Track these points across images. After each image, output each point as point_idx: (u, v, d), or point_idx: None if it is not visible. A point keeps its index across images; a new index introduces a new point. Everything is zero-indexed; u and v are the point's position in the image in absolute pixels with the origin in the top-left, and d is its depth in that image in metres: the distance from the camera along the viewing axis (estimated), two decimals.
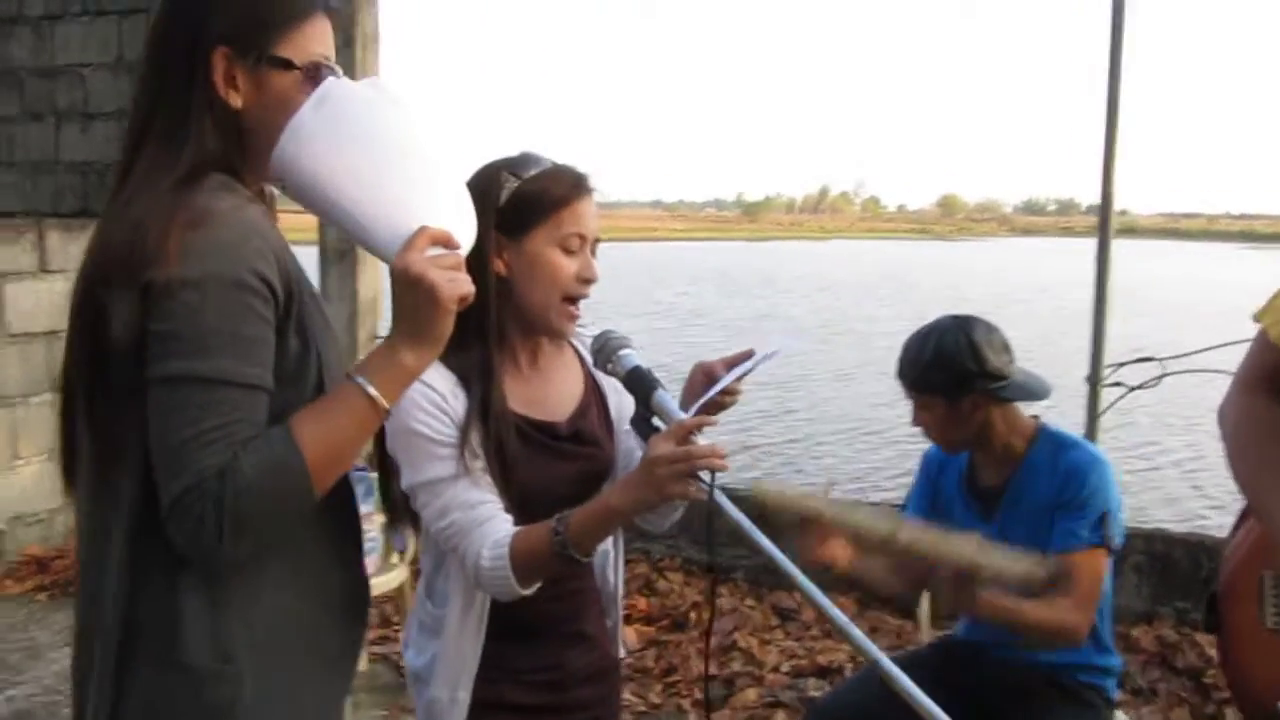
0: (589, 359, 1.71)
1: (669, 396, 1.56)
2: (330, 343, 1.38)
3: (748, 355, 1.63)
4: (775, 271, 45.70)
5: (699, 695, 3.82)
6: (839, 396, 14.35)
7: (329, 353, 1.35)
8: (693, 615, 4.41)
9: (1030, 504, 2.36)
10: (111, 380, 1.24)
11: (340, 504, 1.38)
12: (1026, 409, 2.45)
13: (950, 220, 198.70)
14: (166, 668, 1.26)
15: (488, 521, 1.59)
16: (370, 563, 3.34)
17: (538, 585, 1.60)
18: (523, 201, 1.66)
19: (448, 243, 1.28)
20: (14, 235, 5.12)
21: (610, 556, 1.87)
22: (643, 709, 3.77)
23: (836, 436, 11.97)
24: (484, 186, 1.66)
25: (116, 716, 1.28)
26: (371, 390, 1.25)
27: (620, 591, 1.91)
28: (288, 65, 1.33)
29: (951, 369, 2.32)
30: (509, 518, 1.62)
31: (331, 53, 1.38)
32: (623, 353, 1.60)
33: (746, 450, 10.20)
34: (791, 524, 2.03)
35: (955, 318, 2.41)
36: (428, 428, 1.61)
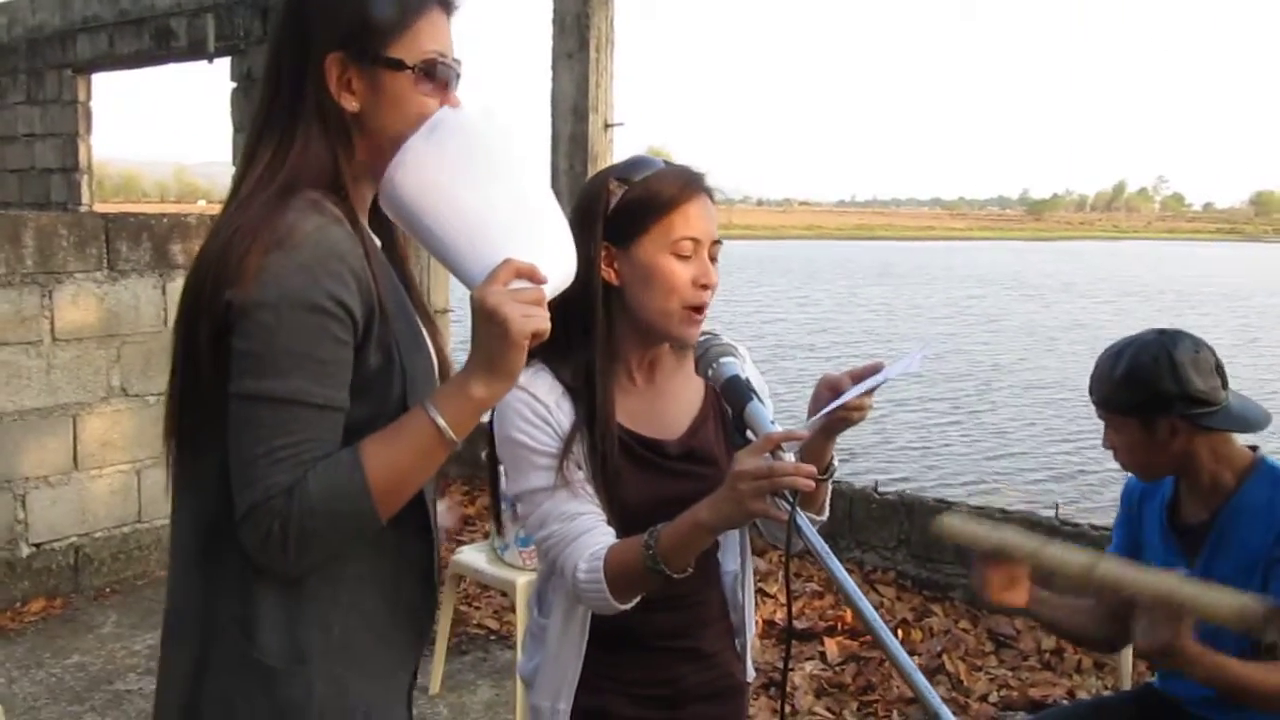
0: None
1: (764, 409, 1.47)
2: (419, 355, 1.38)
3: (876, 369, 1.53)
4: (1071, 274, 43.48)
5: (897, 717, 3.65)
6: None
7: (416, 369, 1.35)
8: (900, 634, 4.21)
9: (1240, 548, 2.08)
10: (196, 384, 1.30)
11: (413, 515, 1.38)
12: (1244, 438, 2.16)
13: (1266, 219, 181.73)
14: (242, 664, 1.30)
15: (587, 533, 1.56)
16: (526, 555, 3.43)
17: (636, 600, 1.56)
18: (630, 207, 1.61)
19: (532, 276, 1.25)
20: None
21: (739, 576, 1.79)
22: None
23: None
24: (592, 196, 1.63)
25: (194, 711, 1.33)
26: (440, 421, 1.25)
27: (751, 612, 1.83)
28: (400, 65, 1.34)
29: (1146, 389, 2.07)
30: (610, 530, 1.58)
31: (449, 49, 1.38)
32: (723, 360, 1.53)
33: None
34: (978, 560, 1.90)
35: (1160, 332, 2.15)
36: (529, 437, 1.59)
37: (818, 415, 1.54)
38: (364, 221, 1.39)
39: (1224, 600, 1.67)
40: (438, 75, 1.35)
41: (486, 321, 1.23)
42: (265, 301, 1.22)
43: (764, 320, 23.79)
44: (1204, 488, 2.13)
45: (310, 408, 1.23)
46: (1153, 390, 2.06)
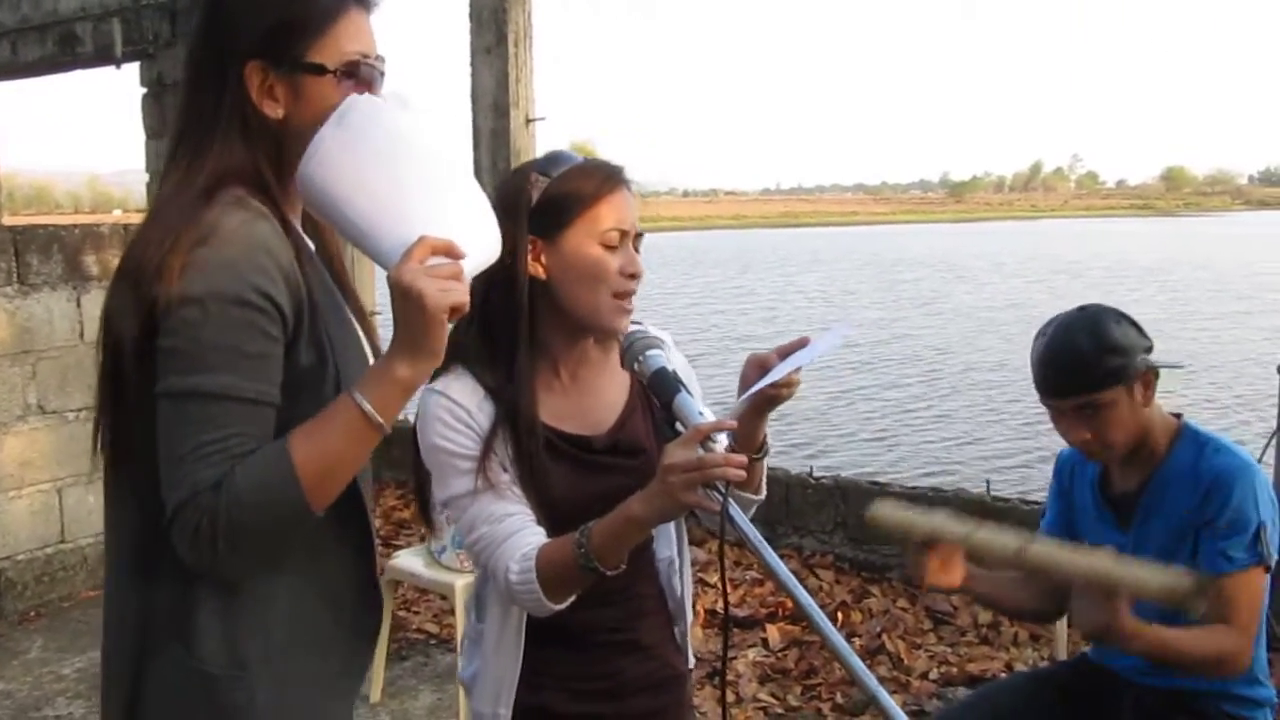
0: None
1: (692, 400, 1.47)
2: (352, 352, 1.37)
3: (803, 343, 1.53)
4: (998, 254, 44.31)
5: (840, 699, 3.68)
6: None
7: (350, 368, 1.34)
8: (840, 616, 4.25)
9: (1169, 513, 2.12)
10: (124, 391, 1.28)
11: (351, 515, 1.37)
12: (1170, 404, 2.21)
13: (1176, 194, 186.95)
14: (182, 672, 1.29)
15: (517, 534, 1.55)
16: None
17: (570, 599, 1.54)
18: (555, 200, 1.59)
19: (449, 252, 1.24)
20: None
21: (675, 564, 1.78)
22: (780, 711, 3.65)
23: None
24: (513, 191, 1.62)
25: (134, 717, 1.32)
26: (365, 405, 1.23)
27: (689, 600, 1.83)
28: (321, 70, 1.33)
29: (1125, 351, 2.07)
30: (540, 530, 1.56)
31: (371, 48, 1.37)
32: (650, 353, 1.52)
33: None
34: (911, 545, 1.91)
35: (1080, 308, 2.18)
36: (450, 443, 1.58)
37: (745, 395, 1.54)
38: (295, 223, 1.37)
39: (1153, 577, 1.70)
40: (361, 76, 1.35)
41: (403, 299, 1.21)
42: (191, 297, 1.20)
43: (703, 313, 23.84)
44: (1142, 455, 2.16)
45: (240, 402, 1.22)
46: (1129, 347, 2.08)
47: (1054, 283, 29.97)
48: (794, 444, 10.50)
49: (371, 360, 1.41)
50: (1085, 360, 2.08)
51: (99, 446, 1.35)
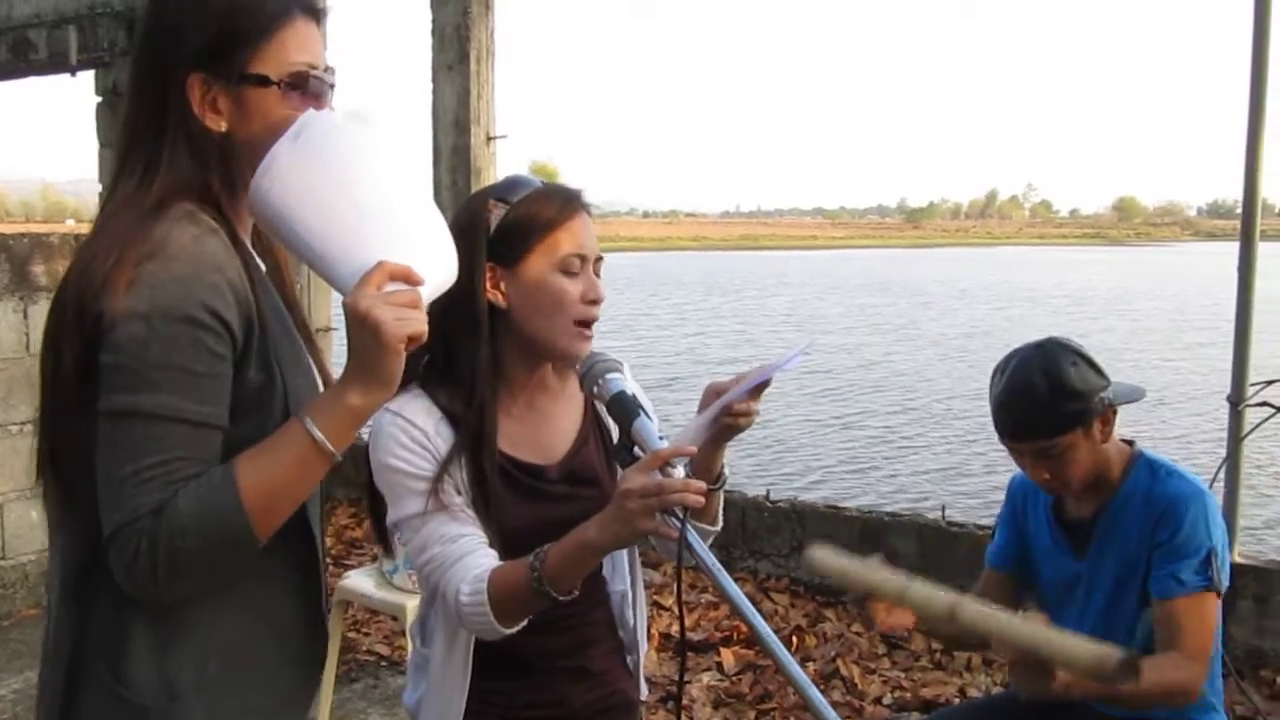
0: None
1: (651, 425, 1.46)
2: (302, 375, 1.34)
3: (760, 370, 1.52)
4: (961, 280, 44.79)
5: None
6: None
7: (300, 388, 1.31)
8: (794, 640, 4.23)
9: (1124, 539, 2.13)
10: (66, 406, 1.23)
11: (298, 541, 1.34)
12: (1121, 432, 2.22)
13: (1128, 224, 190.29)
14: (112, 702, 1.24)
15: (469, 555, 1.52)
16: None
17: (522, 624, 1.51)
18: (514, 227, 1.58)
19: (407, 278, 1.21)
20: None
21: (629, 597, 1.76)
22: None
23: None
24: (471, 217, 1.60)
25: None
26: (316, 432, 1.20)
27: (643, 631, 1.80)
28: (265, 81, 1.29)
29: (1082, 395, 2.07)
30: (492, 553, 1.54)
31: (319, 58, 1.33)
32: (609, 377, 1.51)
33: None
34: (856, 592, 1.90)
35: (1037, 345, 2.18)
36: (406, 464, 1.55)
37: (701, 421, 1.52)
38: (245, 238, 1.33)
39: (1081, 650, 1.67)
40: (308, 88, 1.31)
41: (359, 327, 1.18)
42: (136, 313, 1.16)
43: (673, 336, 23.82)
44: (1096, 485, 2.17)
45: (184, 424, 1.18)
46: (1088, 391, 2.08)
47: (1018, 310, 30.33)
48: (786, 474, 10.45)
49: (321, 385, 1.38)
50: (1041, 407, 2.09)
51: (40, 462, 1.31)
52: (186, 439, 1.18)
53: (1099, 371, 2.11)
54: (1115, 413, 2.12)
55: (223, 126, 1.29)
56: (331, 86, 1.34)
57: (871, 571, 1.74)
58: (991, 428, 2.18)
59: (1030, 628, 1.69)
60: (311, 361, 1.39)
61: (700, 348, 21.55)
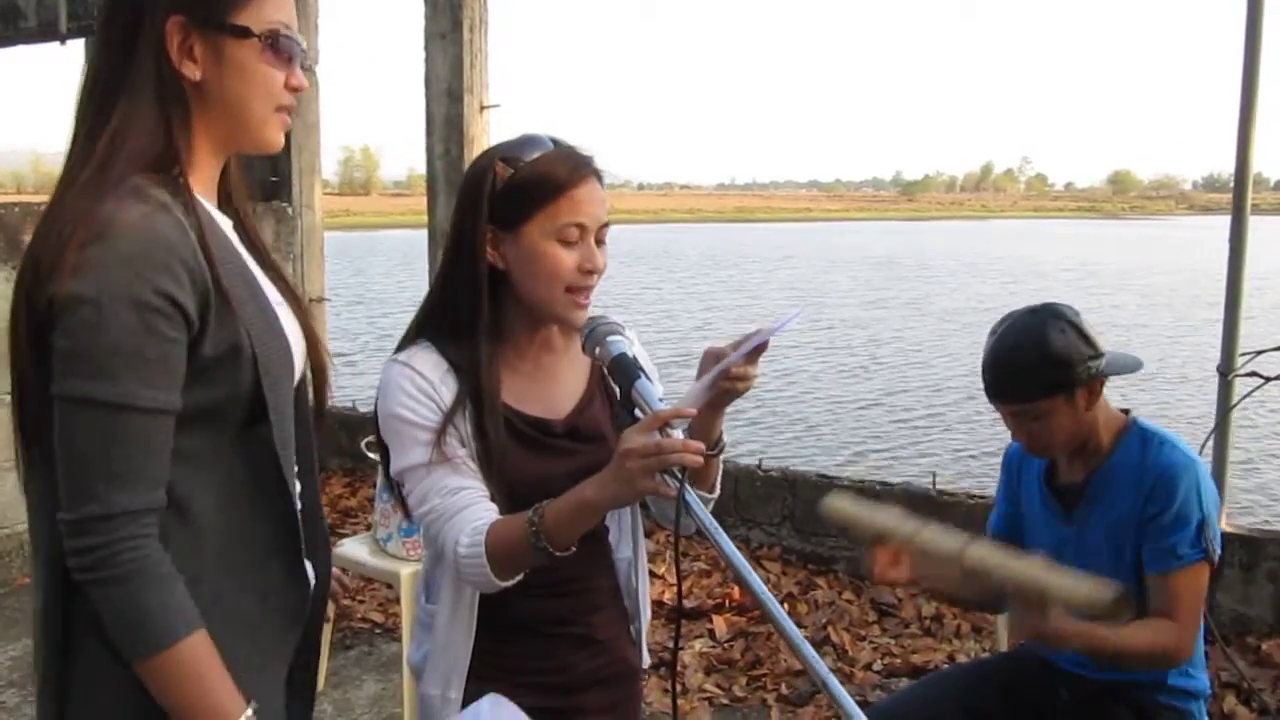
0: None
1: (651, 386, 1.47)
2: (274, 342, 1.32)
3: (757, 334, 1.52)
4: (961, 253, 44.67)
5: (785, 690, 3.70)
6: None
7: (270, 353, 1.30)
8: (786, 607, 4.26)
9: (1113, 506, 2.15)
10: (33, 388, 1.23)
11: (276, 495, 1.34)
12: (1119, 401, 2.24)
13: (1123, 198, 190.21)
14: (106, 671, 1.25)
15: (469, 508, 1.54)
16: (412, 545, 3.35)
17: (517, 578, 1.53)
18: (516, 190, 1.56)
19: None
20: None
21: (632, 563, 1.77)
22: (726, 702, 3.66)
23: None
24: (477, 176, 1.59)
25: (63, 714, 1.28)
26: None
27: (646, 599, 1.82)
28: (246, 33, 1.28)
29: (1067, 363, 2.09)
30: (492, 506, 1.55)
31: (293, 22, 1.34)
32: (611, 339, 1.52)
33: None
34: (866, 539, 1.93)
35: (1031, 310, 2.19)
36: (412, 412, 1.56)
37: (701, 384, 1.53)
38: (202, 199, 1.30)
39: (1079, 586, 1.74)
40: (281, 47, 1.31)
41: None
42: (86, 297, 1.15)
43: (691, 310, 23.73)
44: (1087, 450, 2.19)
45: (140, 413, 1.18)
46: (1073, 359, 2.09)
47: (1027, 283, 30.20)
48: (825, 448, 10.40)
49: (294, 340, 1.36)
50: (1023, 370, 2.11)
51: (16, 434, 1.31)
52: (144, 428, 1.19)
53: (1089, 341, 2.11)
54: (1103, 383, 2.14)
55: (197, 75, 1.28)
56: (302, 51, 1.35)
57: (887, 516, 1.81)
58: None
59: (1033, 564, 1.76)
60: (288, 326, 1.36)
61: (715, 321, 21.44)
